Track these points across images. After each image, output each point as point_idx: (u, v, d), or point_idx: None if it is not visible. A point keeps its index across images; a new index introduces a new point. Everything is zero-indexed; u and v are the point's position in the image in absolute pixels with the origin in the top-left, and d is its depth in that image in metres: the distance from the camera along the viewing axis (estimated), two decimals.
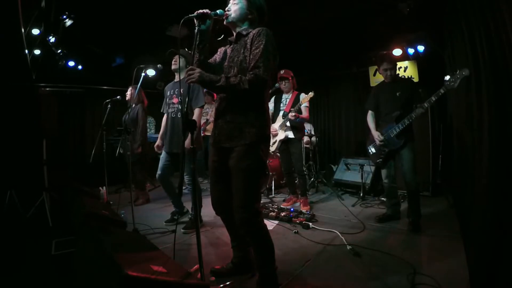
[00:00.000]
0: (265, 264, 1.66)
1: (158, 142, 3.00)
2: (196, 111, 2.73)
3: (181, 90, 2.71)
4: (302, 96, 3.39)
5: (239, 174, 1.57)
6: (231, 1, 1.68)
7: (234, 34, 1.72)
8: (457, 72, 2.23)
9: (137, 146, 3.64)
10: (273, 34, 1.59)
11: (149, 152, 3.87)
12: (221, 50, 1.85)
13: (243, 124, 1.59)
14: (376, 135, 2.86)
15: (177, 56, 2.77)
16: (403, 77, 4.63)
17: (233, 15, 1.66)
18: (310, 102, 3.36)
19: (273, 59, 1.57)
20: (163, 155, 2.89)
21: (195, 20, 1.55)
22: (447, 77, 2.33)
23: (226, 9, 1.67)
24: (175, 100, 2.85)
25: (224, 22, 1.69)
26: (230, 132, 1.61)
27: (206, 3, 1.62)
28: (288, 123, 3.39)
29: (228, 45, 1.79)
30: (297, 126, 3.41)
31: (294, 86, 3.54)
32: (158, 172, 2.85)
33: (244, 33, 1.66)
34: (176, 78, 2.93)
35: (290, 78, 3.46)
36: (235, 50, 1.67)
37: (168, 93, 2.93)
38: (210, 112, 4.73)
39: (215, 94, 4.98)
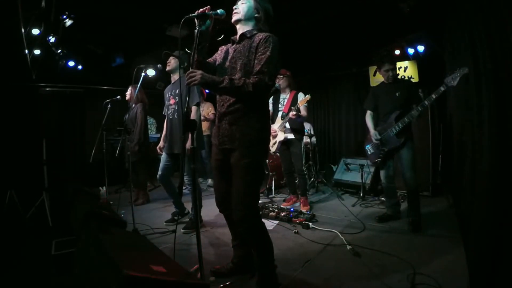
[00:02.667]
0: (264, 263, 1.67)
1: (160, 144, 3.01)
2: (193, 109, 2.73)
3: (178, 90, 2.74)
4: (300, 96, 3.38)
5: (239, 172, 1.60)
6: (240, 1, 1.70)
7: (238, 34, 1.72)
8: (457, 70, 2.26)
9: (133, 144, 3.63)
10: (278, 40, 1.61)
11: (150, 152, 3.87)
12: (222, 49, 1.84)
13: (245, 127, 1.61)
14: (373, 134, 2.87)
15: (170, 58, 2.78)
16: (402, 77, 4.64)
17: (241, 13, 1.67)
18: (309, 102, 3.34)
19: (275, 67, 1.61)
20: (163, 156, 2.89)
21: (196, 20, 1.55)
22: (447, 75, 2.35)
23: (234, 7, 1.69)
24: (172, 101, 2.85)
25: (232, 20, 1.70)
26: (232, 134, 1.63)
27: (206, 3, 1.61)
28: (287, 125, 3.38)
29: (230, 44, 1.78)
30: (296, 128, 3.40)
31: (290, 85, 3.51)
32: (159, 173, 2.86)
33: (248, 35, 1.66)
34: (172, 80, 2.94)
35: (286, 75, 3.43)
36: (237, 51, 1.67)
37: (167, 95, 2.93)
38: (202, 112, 4.73)
39: (205, 94, 4.99)
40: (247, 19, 1.68)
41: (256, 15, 1.69)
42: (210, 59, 1.82)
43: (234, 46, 1.74)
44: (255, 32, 1.67)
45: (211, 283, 1.81)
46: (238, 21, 1.69)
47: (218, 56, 1.82)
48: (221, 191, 1.82)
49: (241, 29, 1.70)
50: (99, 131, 3.36)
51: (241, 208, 1.59)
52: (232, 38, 1.77)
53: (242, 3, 1.68)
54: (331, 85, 6.04)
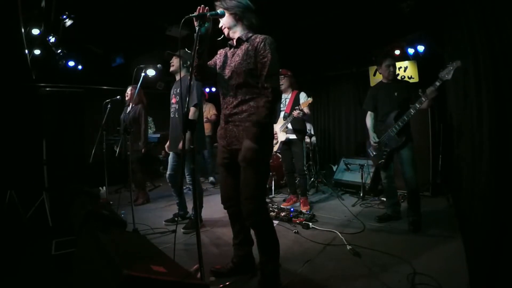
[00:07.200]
0: (269, 261, 1.69)
1: (168, 143, 3.00)
2: (191, 110, 2.73)
3: (179, 90, 2.74)
4: (302, 96, 3.38)
5: (247, 171, 1.65)
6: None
7: (234, 40, 1.77)
8: (450, 64, 2.29)
9: (142, 145, 3.67)
10: (275, 41, 1.67)
11: (149, 152, 3.88)
12: (221, 52, 1.89)
13: (250, 127, 1.64)
14: (371, 136, 2.87)
15: (173, 58, 2.77)
16: (402, 77, 4.64)
17: (225, 25, 1.74)
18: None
19: (278, 67, 1.69)
20: (171, 156, 2.91)
21: (195, 21, 1.56)
22: (441, 70, 2.37)
23: (220, 25, 1.75)
24: (173, 100, 2.86)
25: (225, 35, 1.78)
26: (239, 134, 1.69)
27: (206, 4, 1.62)
28: (289, 125, 3.38)
29: (228, 49, 1.83)
30: (298, 128, 3.40)
31: (292, 85, 3.52)
32: (168, 172, 2.89)
33: (244, 38, 1.72)
34: (177, 79, 2.94)
35: (287, 76, 3.43)
36: (236, 55, 1.73)
37: (171, 94, 2.94)
38: (204, 112, 4.73)
39: (206, 95, 5.03)
40: (233, 26, 1.74)
41: (236, 17, 1.72)
42: (210, 61, 1.87)
43: (232, 50, 1.79)
44: (250, 34, 1.73)
45: (211, 283, 1.82)
46: (229, 33, 1.76)
47: (218, 60, 1.86)
48: (227, 188, 1.86)
49: (236, 35, 1.75)
50: (99, 131, 3.36)
51: (251, 201, 1.63)
52: (229, 42, 1.82)
53: (222, 20, 1.74)
54: (331, 85, 6.04)
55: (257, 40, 1.66)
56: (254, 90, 1.68)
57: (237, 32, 1.75)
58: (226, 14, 1.70)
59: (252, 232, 1.96)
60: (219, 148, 1.86)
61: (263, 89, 1.63)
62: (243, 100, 1.69)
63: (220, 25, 1.76)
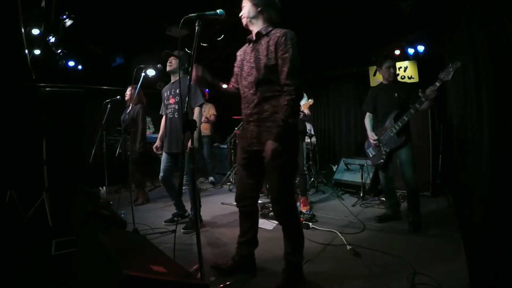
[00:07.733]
0: (294, 253, 1.74)
1: (157, 143, 3.00)
2: (196, 110, 2.73)
3: (178, 90, 2.74)
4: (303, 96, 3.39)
5: (272, 172, 1.65)
6: (243, 5, 1.76)
7: (253, 33, 1.75)
8: (449, 65, 2.29)
9: (139, 146, 3.66)
10: (295, 34, 1.65)
11: (148, 152, 3.88)
12: (240, 54, 1.87)
13: (273, 128, 1.62)
14: (370, 135, 2.87)
15: (171, 58, 2.77)
16: (402, 78, 4.64)
17: (245, 15, 1.73)
18: None
19: (299, 63, 1.63)
20: (164, 157, 2.89)
21: (196, 21, 1.55)
22: (440, 71, 2.39)
23: (240, 14, 1.75)
24: (171, 101, 2.85)
25: (243, 24, 1.77)
26: (260, 135, 1.68)
27: (206, 3, 1.62)
28: None
29: (247, 44, 1.82)
30: (298, 129, 3.40)
31: None
32: (161, 174, 2.86)
33: (264, 32, 1.69)
34: (172, 79, 2.94)
35: None
36: (256, 50, 1.71)
37: (165, 94, 2.93)
38: (203, 113, 4.74)
39: (206, 95, 5.07)
40: (253, 17, 1.73)
41: (258, 9, 1.71)
42: (232, 81, 1.89)
43: (251, 45, 1.77)
44: (270, 28, 1.70)
45: (211, 283, 1.81)
46: (247, 24, 1.75)
47: (237, 67, 1.86)
48: (243, 188, 1.87)
49: (254, 28, 1.74)
50: (99, 131, 3.35)
51: (277, 203, 1.70)
52: (248, 37, 1.81)
53: (243, 6, 1.74)
54: (331, 85, 6.05)
55: (278, 34, 1.62)
56: (275, 87, 1.63)
57: (255, 25, 1.73)
58: (249, 4, 1.70)
59: (258, 234, 1.99)
60: (239, 148, 1.87)
61: (284, 86, 1.59)
62: (263, 98, 1.65)
63: (240, 14, 1.75)
